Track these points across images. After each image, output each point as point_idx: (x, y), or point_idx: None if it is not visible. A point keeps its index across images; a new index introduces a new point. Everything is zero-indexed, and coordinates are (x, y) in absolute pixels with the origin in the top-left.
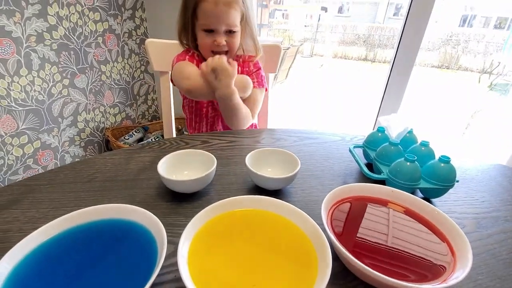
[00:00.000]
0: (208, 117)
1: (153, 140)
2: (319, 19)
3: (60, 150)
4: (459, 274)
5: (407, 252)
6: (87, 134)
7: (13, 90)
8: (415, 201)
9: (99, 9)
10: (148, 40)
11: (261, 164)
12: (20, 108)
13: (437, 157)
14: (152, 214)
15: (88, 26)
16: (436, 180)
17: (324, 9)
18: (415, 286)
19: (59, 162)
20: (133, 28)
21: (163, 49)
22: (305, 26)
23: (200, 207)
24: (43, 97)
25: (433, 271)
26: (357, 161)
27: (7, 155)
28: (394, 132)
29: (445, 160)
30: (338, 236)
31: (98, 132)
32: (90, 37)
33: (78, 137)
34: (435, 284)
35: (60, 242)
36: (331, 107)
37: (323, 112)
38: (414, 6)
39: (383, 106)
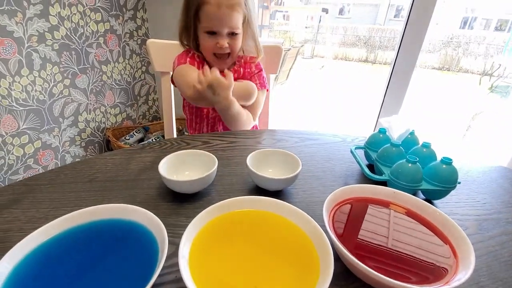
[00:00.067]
0: (208, 117)
1: (154, 140)
2: (320, 20)
3: (61, 150)
4: (462, 276)
5: (408, 254)
6: (87, 134)
7: (14, 90)
8: (417, 203)
9: (101, 10)
10: (149, 41)
11: (262, 165)
12: (21, 108)
13: (438, 159)
14: (153, 214)
15: (89, 26)
16: (438, 181)
17: (325, 10)
18: None
19: (59, 162)
20: (134, 29)
21: (164, 49)
22: (306, 27)
23: (201, 207)
24: (44, 97)
25: (435, 273)
26: (358, 162)
27: (8, 154)
28: (396, 133)
29: (447, 161)
30: (339, 237)
31: (99, 132)
32: (92, 38)
33: (78, 137)
34: (437, 286)
35: (61, 242)
36: (331, 108)
37: (323, 113)
38: (415, 8)
39: (384, 108)
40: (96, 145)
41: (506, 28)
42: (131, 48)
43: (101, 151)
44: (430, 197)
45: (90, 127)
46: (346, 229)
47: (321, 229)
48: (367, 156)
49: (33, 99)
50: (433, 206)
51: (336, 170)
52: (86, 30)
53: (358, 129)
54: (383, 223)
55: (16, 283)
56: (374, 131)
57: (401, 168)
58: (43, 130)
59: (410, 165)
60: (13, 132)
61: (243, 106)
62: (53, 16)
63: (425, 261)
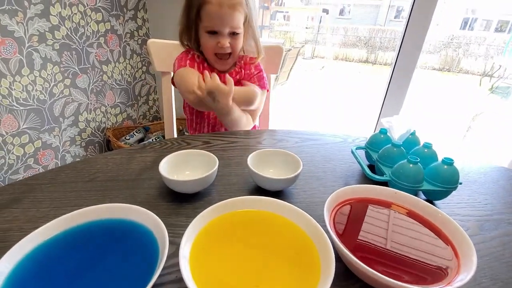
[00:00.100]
0: (209, 118)
1: (154, 140)
2: (320, 21)
3: (61, 150)
4: (464, 276)
5: (410, 254)
6: (88, 134)
7: (14, 89)
8: (419, 203)
9: (101, 10)
10: (150, 41)
11: (263, 165)
12: (22, 108)
13: (439, 159)
14: (154, 214)
15: (90, 26)
16: (439, 182)
17: (326, 11)
18: None
19: (59, 162)
20: (135, 29)
21: (165, 49)
22: (306, 28)
23: (201, 207)
24: (45, 96)
25: (437, 273)
26: (359, 163)
27: (8, 154)
28: (397, 133)
29: (449, 162)
30: (340, 237)
31: (99, 132)
32: (92, 37)
33: (79, 137)
34: (439, 287)
35: (61, 241)
36: (332, 109)
37: (324, 114)
38: (416, 9)
39: (385, 109)
40: (96, 145)
41: (506, 29)
42: (132, 48)
43: (101, 151)
44: (431, 198)
45: (90, 127)
46: (347, 230)
47: (322, 229)
48: (368, 156)
49: (34, 98)
50: (434, 207)
51: (336, 170)
52: (87, 30)
53: (358, 130)
54: (384, 224)
55: (16, 283)
56: (374, 131)
57: (402, 168)
58: (43, 129)
59: (411, 165)
60: (13, 131)
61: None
62: (54, 16)
63: (427, 262)
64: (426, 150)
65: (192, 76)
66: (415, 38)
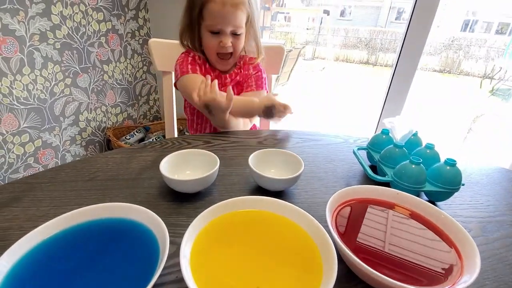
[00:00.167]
0: None
1: (155, 140)
2: (321, 22)
3: (61, 149)
4: (467, 278)
5: (413, 256)
6: (88, 134)
7: (15, 88)
8: (421, 204)
9: (103, 9)
10: (151, 40)
11: (264, 165)
12: (22, 107)
13: (442, 160)
14: (154, 214)
15: (91, 25)
16: (442, 183)
17: (326, 12)
18: None
19: (59, 161)
20: (136, 29)
21: (166, 49)
22: (307, 29)
23: (202, 207)
24: (45, 96)
25: (440, 275)
26: (361, 163)
27: (8, 153)
28: (399, 134)
29: (451, 163)
30: (342, 238)
31: (100, 132)
32: (93, 37)
33: (79, 136)
34: None
35: (60, 240)
36: (332, 110)
37: (324, 115)
38: (417, 10)
39: (385, 110)
40: (97, 144)
41: (507, 31)
42: (133, 48)
43: (102, 151)
44: (433, 199)
45: (90, 127)
46: (349, 230)
47: (324, 230)
48: (370, 157)
49: (34, 98)
50: (437, 208)
51: (338, 171)
52: (88, 30)
53: (359, 131)
54: (387, 225)
55: (15, 282)
56: (375, 132)
57: (405, 169)
58: (43, 129)
59: (413, 166)
60: (13, 130)
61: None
62: (55, 15)
63: (430, 263)
64: (428, 151)
65: (193, 84)
66: (416, 40)
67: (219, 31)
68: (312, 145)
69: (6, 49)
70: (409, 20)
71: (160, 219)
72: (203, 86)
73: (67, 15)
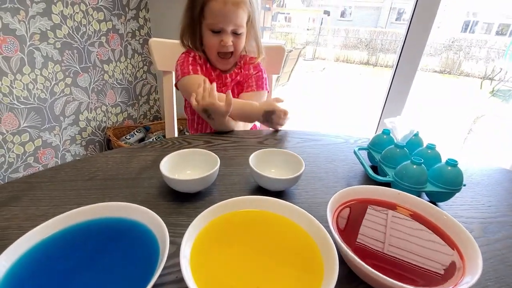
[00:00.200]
0: None
1: (155, 140)
2: (321, 22)
3: (61, 149)
4: (469, 279)
5: (414, 256)
6: (88, 133)
7: (15, 88)
8: (422, 205)
9: (103, 9)
10: (151, 39)
11: (264, 165)
12: (22, 106)
13: (443, 161)
14: (154, 213)
15: (92, 25)
16: (443, 183)
17: (327, 12)
18: None
19: (59, 160)
20: (136, 28)
21: (167, 48)
22: (308, 29)
23: (202, 207)
24: (45, 95)
25: (442, 276)
26: (362, 163)
27: (8, 153)
28: (400, 134)
29: (453, 163)
30: (344, 239)
31: (100, 132)
32: (94, 37)
33: (79, 136)
34: None
35: (59, 240)
36: (333, 110)
37: (325, 115)
38: (418, 11)
39: (386, 110)
40: (97, 144)
41: (507, 32)
42: (133, 48)
43: (102, 150)
44: (434, 199)
45: (91, 126)
46: (350, 231)
47: (325, 230)
48: (371, 157)
49: (34, 97)
50: (439, 208)
51: (338, 171)
52: (89, 29)
53: (359, 131)
54: (388, 225)
55: (13, 281)
56: (375, 133)
57: (406, 169)
58: (43, 128)
59: (415, 166)
60: (13, 130)
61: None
62: (56, 14)
63: (432, 264)
64: (429, 151)
65: (194, 86)
66: (417, 40)
67: (220, 30)
68: (313, 145)
69: (7, 49)
70: (409, 21)
71: (160, 219)
72: (201, 90)
73: (68, 14)
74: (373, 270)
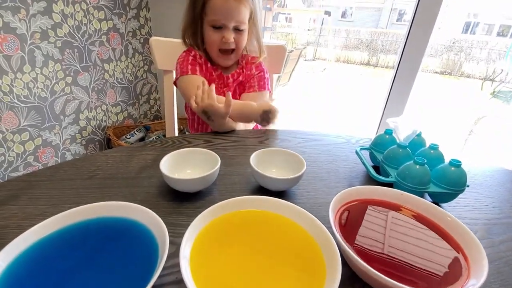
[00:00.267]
0: None
1: (155, 139)
2: (322, 23)
3: (61, 148)
4: (474, 282)
5: (418, 258)
6: (88, 132)
7: (16, 86)
8: (426, 206)
9: (104, 8)
10: (152, 38)
11: (265, 165)
12: (22, 105)
13: (446, 161)
14: (154, 213)
15: (92, 24)
16: (446, 184)
17: (328, 13)
18: None
19: (59, 159)
20: (137, 28)
21: (167, 47)
22: (308, 30)
23: (202, 207)
24: (46, 94)
25: (446, 278)
26: (364, 163)
27: (8, 151)
28: (402, 134)
29: (456, 164)
30: (346, 240)
31: (100, 131)
32: (94, 36)
33: (79, 135)
34: None
35: (57, 240)
36: (333, 111)
37: (325, 115)
38: (419, 12)
39: (387, 111)
40: (97, 143)
41: (508, 33)
42: (134, 47)
43: (102, 150)
44: (437, 200)
45: (91, 125)
46: (353, 232)
47: (327, 230)
48: (372, 157)
49: (35, 96)
50: (443, 210)
51: (340, 171)
52: (89, 28)
53: (360, 132)
54: (392, 226)
55: (10, 281)
56: (376, 134)
57: (409, 169)
58: (44, 127)
59: (418, 166)
60: (13, 129)
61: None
62: (57, 13)
63: (436, 267)
64: (432, 152)
65: (193, 87)
66: (418, 41)
67: (221, 26)
68: (314, 145)
69: (7, 47)
70: (411, 22)
71: (159, 218)
72: (200, 92)
73: (68, 13)
74: (376, 272)
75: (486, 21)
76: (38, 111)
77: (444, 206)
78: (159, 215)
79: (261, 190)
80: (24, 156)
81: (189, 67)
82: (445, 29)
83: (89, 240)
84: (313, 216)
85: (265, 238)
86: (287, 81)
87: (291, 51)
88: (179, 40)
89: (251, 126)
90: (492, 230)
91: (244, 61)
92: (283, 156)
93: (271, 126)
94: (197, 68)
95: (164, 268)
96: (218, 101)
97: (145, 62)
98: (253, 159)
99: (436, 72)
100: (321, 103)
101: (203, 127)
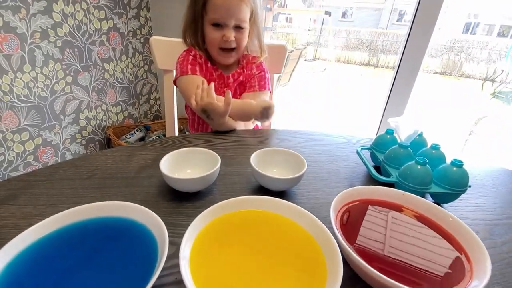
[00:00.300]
0: None
1: (155, 139)
2: (322, 23)
3: (61, 148)
4: (477, 283)
5: (420, 259)
6: (88, 132)
7: (16, 86)
8: (428, 206)
9: (104, 7)
10: (152, 38)
11: (265, 165)
12: (22, 105)
13: (448, 161)
14: (154, 213)
15: (93, 24)
16: (448, 184)
17: (328, 13)
18: None
19: (59, 159)
20: (137, 27)
21: (168, 47)
22: (309, 30)
23: (202, 207)
24: (46, 93)
25: (449, 279)
26: (365, 163)
27: (8, 151)
28: (403, 134)
29: (458, 164)
30: (347, 240)
31: (100, 130)
32: (95, 35)
33: (79, 135)
34: None
35: (56, 239)
36: (333, 111)
37: (325, 115)
38: (420, 13)
39: (387, 111)
40: (97, 143)
41: (508, 34)
42: (134, 47)
43: (102, 149)
44: (439, 201)
45: (91, 125)
46: (354, 232)
47: (328, 231)
48: (373, 157)
49: (35, 95)
50: (445, 210)
51: (341, 171)
52: (90, 28)
53: (360, 132)
54: (393, 227)
55: (9, 281)
56: (376, 134)
57: (410, 170)
58: (43, 127)
59: (419, 167)
60: (13, 128)
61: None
62: (57, 13)
63: (438, 268)
64: (434, 152)
65: (192, 87)
66: (418, 42)
67: (222, 24)
68: (314, 145)
69: (7, 47)
70: (411, 22)
71: (159, 218)
72: (199, 91)
73: (69, 13)
74: (378, 273)
75: (487, 22)
76: (38, 110)
77: (446, 207)
78: (159, 215)
79: (262, 190)
80: (24, 156)
81: (189, 67)
82: (446, 29)
83: (88, 240)
84: (314, 216)
85: (265, 238)
86: (288, 81)
87: (292, 51)
88: (180, 40)
89: (251, 126)
90: (494, 231)
91: (244, 61)
92: (283, 156)
93: (268, 122)
94: (197, 68)
95: (163, 269)
96: (218, 101)
97: (145, 62)
98: (254, 158)
99: (437, 73)
100: (322, 103)
101: (203, 127)
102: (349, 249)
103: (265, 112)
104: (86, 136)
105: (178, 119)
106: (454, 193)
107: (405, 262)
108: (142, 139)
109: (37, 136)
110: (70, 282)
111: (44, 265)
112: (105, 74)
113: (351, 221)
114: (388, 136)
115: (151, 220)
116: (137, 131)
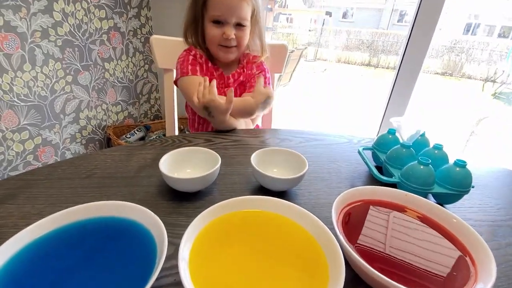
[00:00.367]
0: None
1: (155, 138)
2: (323, 23)
3: (61, 147)
4: (482, 286)
5: (423, 261)
6: (88, 132)
7: (16, 85)
8: (431, 207)
9: (105, 7)
10: (153, 37)
11: (266, 165)
12: (22, 104)
13: (450, 162)
14: (153, 213)
15: (93, 23)
16: (451, 185)
17: (329, 13)
18: None
19: (59, 159)
20: (138, 27)
21: (168, 46)
22: (309, 30)
23: (202, 207)
24: (46, 93)
25: (453, 281)
26: (366, 163)
27: (8, 150)
28: (405, 134)
29: (461, 164)
30: (349, 241)
31: (100, 130)
32: (95, 35)
33: (79, 134)
34: None
35: (54, 239)
36: (334, 111)
37: (326, 116)
38: (421, 13)
39: (388, 112)
40: (97, 142)
41: (509, 35)
42: (135, 46)
43: (102, 149)
44: (442, 201)
45: (91, 125)
46: (356, 233)
47: (330, 232)
48: (375, 157)
49: (35, 94)
50: (448, 211)
51: (342, 171)
52: (90, 27)
53: (361, 132)
54: (396, 228)
55: (6, 280)
56: (377, 135)
57: (413, 170)
58: (43, 126)
59: (422, 167)
60: (13, 127)
61: None
62: (57, 12)
63: (442, 270)
64: (436, 152)
65: (193, 88)
66: (420, 42)
67: (222, 21)
68: (315, 145)
69: (8, 46)
70: (412, 22)
71: (158, 218)
72: (201, 88)
73: (69, 12)
74: (381, 275)
75: (487, 22)
76: (38, 110)
77: (449, 207)
78: (158, 215)
79: (262, 190)
80: (23, 155)
81: (190, 67)
82: (446, 30)
83: (86, 239)
84: (315, 217)
85: (265, 238)
86: (288, 81)
87: (292, 51)
88: (180, 39)
89: (252, 125)
90: (498, 232)
91: (245, 61)
92: (284, 156)
93: (267, 110)
94: (198, 68)
95: (162, 269)
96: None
97: (145, 61)
98: (254, 158)
99: (437, 73)
100: (322, 103)
101: (203, 126)
102: (351, 250)
103: (266, 103)
104: (86, 135)
105: (178, 118)
106: (457, 194)
107: (408, 264)
108: (142, 138)
109: (37, 135)
110: (68, 282)
111: (42, 265)
112: (105, 73)
113: (353, 222)
114: (390, 136)
115: (150, 220)
116: (137, 130)
